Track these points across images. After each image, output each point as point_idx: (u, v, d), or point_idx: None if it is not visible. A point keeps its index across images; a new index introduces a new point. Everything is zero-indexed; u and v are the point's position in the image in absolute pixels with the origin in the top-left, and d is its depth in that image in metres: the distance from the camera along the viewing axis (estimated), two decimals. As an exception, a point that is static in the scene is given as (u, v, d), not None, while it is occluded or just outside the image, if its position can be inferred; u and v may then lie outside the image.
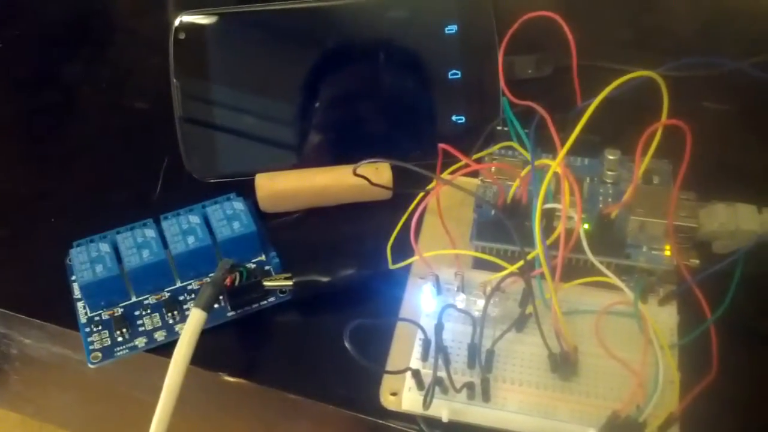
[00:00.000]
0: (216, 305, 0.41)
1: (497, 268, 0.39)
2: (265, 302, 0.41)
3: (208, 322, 0.39)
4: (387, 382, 0.37)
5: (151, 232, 0.42)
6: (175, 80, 0.47)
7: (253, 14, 0.48)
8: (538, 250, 0.36)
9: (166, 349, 0.39)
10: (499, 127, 0.44)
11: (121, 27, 0.63)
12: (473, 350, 0.36)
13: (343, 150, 0.48)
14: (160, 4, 0.60)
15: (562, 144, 0.36)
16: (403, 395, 0.37)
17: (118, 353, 0.40)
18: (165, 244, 0.42)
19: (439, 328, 0.35)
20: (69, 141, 0.53)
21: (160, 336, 0.40)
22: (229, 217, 0.43)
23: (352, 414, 0.37)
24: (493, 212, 0.41)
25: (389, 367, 0.38)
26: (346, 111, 0.49)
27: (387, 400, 0.37)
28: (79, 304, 0.42)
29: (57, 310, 0.42)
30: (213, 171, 0.47)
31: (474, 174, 0.42)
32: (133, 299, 0.42)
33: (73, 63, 0.58)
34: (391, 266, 0.41)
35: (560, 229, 0.36)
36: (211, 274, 0.41)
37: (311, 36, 0.48)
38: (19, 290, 0.43)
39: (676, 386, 0.35)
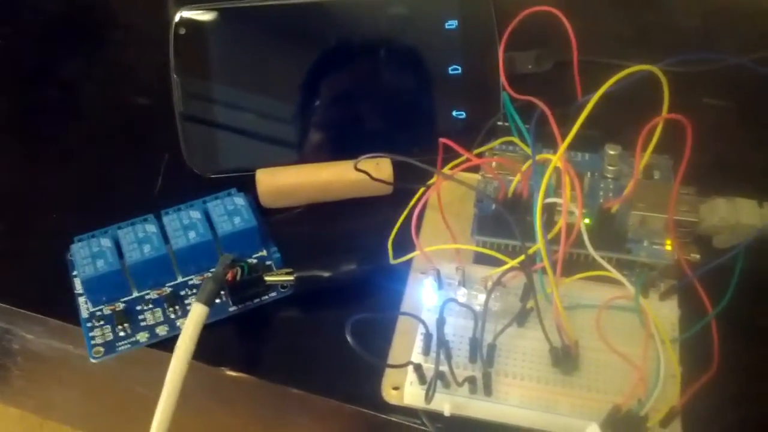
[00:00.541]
0: (217, 300, 0.41)
1: (498, 263, 0.39)
2: (266, 297, 0.41)
3: (210, 317, 0.39)
4: (389, 377, 0.37)
5: (152, 227, 0.42)
6: (175, 76, 0.47)
7: (253, 9, 0.48)
8: (540, 245, 0.36)
9: (168, 344, 0.39)
10: (499, 122, 0.44)
11: (122, 23, 0.63)
12: (475, 344, 0.36)
13: (343, 145, 0.48)
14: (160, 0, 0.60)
15: (563, 139, 0.36)
16: (404, 389, 0.37)
17: (120, 348, 0.40)
18: (166, 239, 0.42)
19: (440, 322, 0.35)
20: (70, 137, 0.53)
21: (161, 331, 0.40)
22: (230, 213, 0.43)
23: (354, 408, 0.38)
24: (493, 207, 0.41)
25: (391, 361, 0.38)
26: (346, 106, 0.49)
27: (389, 395, 0.37)
28: (81, 299, 0.42)
29: (58, 305, 0.42)
30: (214, 166, 0.47)
31: (475, 169, 0.42)
32: (135, 294, 0.42)
33: (74, 59, 0.58)
34: (392, 261, 0.41)
35: (561, 223, 0.36)
36: (212, 269, 0.41)
37: (312, 31, 0.48)
38: (20, 285, 0.43)
39: (677, 380, 0.35)
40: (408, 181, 0.43)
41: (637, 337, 0.37)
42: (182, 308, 0.41)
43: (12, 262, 0.45)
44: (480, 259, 0.41)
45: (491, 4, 0.48)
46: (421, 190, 0.42)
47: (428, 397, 0.35)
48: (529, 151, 0.40)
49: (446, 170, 0.42)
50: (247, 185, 0.45)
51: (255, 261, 0.43)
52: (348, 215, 0.46)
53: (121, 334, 0.40)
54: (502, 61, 0.45)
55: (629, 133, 0.39)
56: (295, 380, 0.39)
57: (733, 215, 0.40)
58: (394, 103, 0.49)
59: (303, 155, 0.48)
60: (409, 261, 0.42)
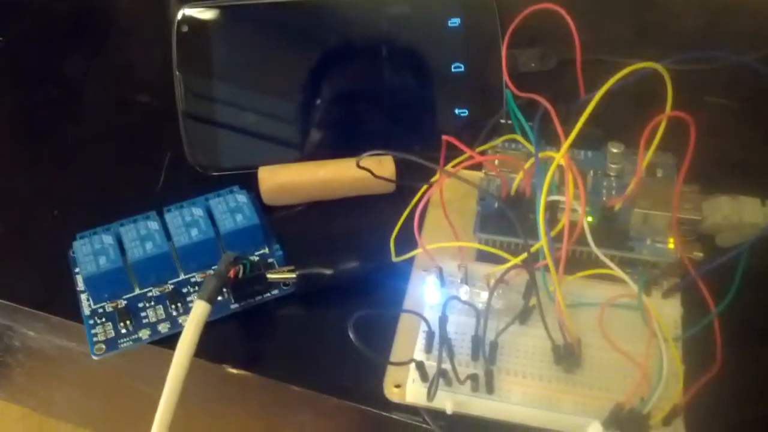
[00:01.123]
0: (219, 298, 0.41)
1: (500, 261, 0.39)
2: (269, 295, 0.41)
3: (212, 315, 0.39)
4: (391, 374, 0.37)
5: (154, 225, 0.42)
6: (177, 73, 0.47)
7: (255, 7, 0.48)
8: (543, 242, 0.36)
9: (170, 341, 0.39)
10: (502, 120, 0.44)
11: (124, 21, 0.63)
12: (477, 342, 0.36)
13: (346, 143, 0.48)
14: (163, -2, 0.60)
15: (566, 136, 0.36)
16: (406, 387, 0.37)
17: (122, 345, 0.40)
18: (168, 236, 0.42)
19: (443, 319, 0.35)
20: (72, 134, 0.53)
21: (163, 328, 0.40)
22: (232, 210, 0.43)
23: (356, 406, 0.38)
24: (496, 205, 0.41)
25: (393, 359, 0.38)
26: (349, 104, 0.49)
27: (391, 392, 0.37)
28: (83, 297, 0.42)
29: (60, 302, 0.42)
30: (216, 164, 0.47)
31: (477, 167, 0.42)
32: (137, 291, 0.42)
33: (76, 57, 0.58)
34: (395, 259, 0.41)
35: (564, 221, 0.36)
36: (214, 267, 0.41)
37: (314, 29, 0.48)
38: (22, 282, 0.43)
39: (679, 379, 0.35)
40: (410, 179, 0.43)
41: (640, 335, 0.36)
42: (184, 305, 0.41)
43: (14, 259, 0.45)
44: (482, 257, 0.41)
45: (494, 2, 0.47)
46: (424, 187, 0.42)
47: (430, 395, 0.35)
48: (531, 148, 0.40)
49: (449, 168, 0.41)
50: (249, 183, 0.45)
51: (257, 258, 0.43)
52: (350, 213, 0.46)
53: (123, 331, 0.40)
54: (505, 59, 0.45)
55: (632, 131, 0.39)
56: (296, 378, 0.39)
57: (736, 213, 0.40)
58: (397, 101, 0.49)
59: (305, 153, 0.48)
60: (412, 259, 0.42)
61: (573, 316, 0.37)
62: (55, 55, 0.58)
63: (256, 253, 0.43)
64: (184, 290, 0.42)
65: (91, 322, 0.41)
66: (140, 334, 0.40)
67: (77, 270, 0.42)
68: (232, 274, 0.40)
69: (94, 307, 0.41)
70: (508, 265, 0.37)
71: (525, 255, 0.37)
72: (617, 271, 0.37)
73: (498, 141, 0.43)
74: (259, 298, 0.41)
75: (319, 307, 0.42)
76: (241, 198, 0.43)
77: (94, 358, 0.40)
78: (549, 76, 0.53)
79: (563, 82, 0.46)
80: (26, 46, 0.60)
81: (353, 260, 0.42)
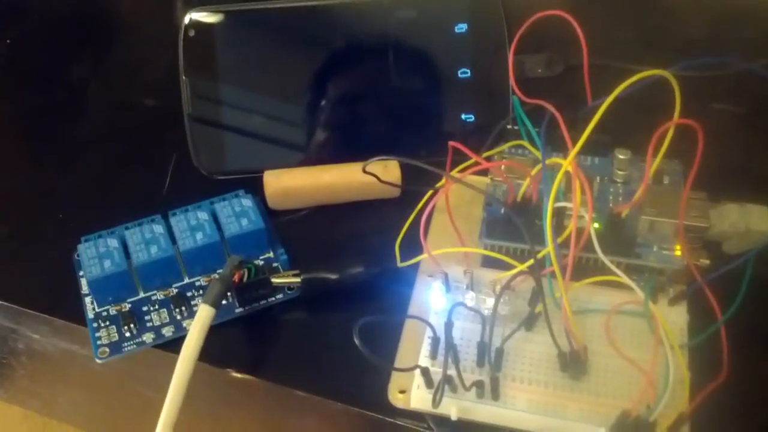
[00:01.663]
0: (224, 302, 0.40)
1: (506, 267, 0.39)
2: (273, 299, 0.41)
3: (216, 319, 0.38)
4: (395, 380, 0.37)
5: (159, 228, 0.42)
6: (184, 77, 0.47)
7: (262, 12, 0.48)
8: (549, 249, 0.35)
9: (174, 345, 0.39)
10: (509, 126, 0.44)
11: (130, 24, 0.63)
12: (483, 348, 0.36)
13: (351, 148, 0.48)
14: (169, 1, 0.60)
15: (574, 143, 0.36)
16: (411, 393, 0.36)
17: (126, 349, 0.40)
18: (173, 240, 0.42)
19: (448, 325, 0.35)
20: (77, 137, 0.53)
21: (167, 332, 0.40)
22: (237, 214, 0.42)
23: (360, 411, 0.37)
24: (502, 210, 0.41)
25: (398, 365, 0.38)
26: (355, 109, 0.49)
27: (395, 398, 0.37)
28: (87, 300, 0.42)
29: (65, 305, 0.42)
30: (221, 168, 0.47)
31: (483, 173, 0.42)
32: (141, 295, 0.42)
33: (81, 60, 0.58)
34: (400, 264, 0.41)
35: (571, 227, 0.36)
36: (219, 271, 0.41)
37: (321, 34, 0.48)
38: (27, 285, 0.43)
39: (686, 386, 0.35)
40: (416, 184, 0.43)
41: (646, 343, 0.36)
42: (188, 309, 0.41)
43: (19, 262, 0.45)
44: (488, 263, 0.40)
45: (501, 8, 0.47)
46: (429, 192, 0.42)
47: (436, 401, 0.35)
48: (538, 154, 0.40)
49: (455, 173, 0.41)
50: (254, 187, 0.45)
51: (262, 263, 0.43)
52: (355, 217, 0.46)
53: (127, 334, 0.40)
54: (512, 65, 0.45)
55: (638, 137, 0.39)
56: (301, 382, 0.38)
57: (743, 221, 0.40)
58: (403, 106, 0.48)
59: (311, 157, 0.48)
60: (417, 264, 0.41)
61: (579, 323, 0.37)
62: (60, 58, 0.58)
63: (261, 258, 0.43)
64: (189, 294, 0.42)
65: (95, 325, 0.41)
66: (144, 338, 0.40)
67: (82, 273, 0.42)
68: (236, 278, 0.40)
69: (98, 310, 0.41)
70: (515, 271, 0.37)
71: (531, 261, 0.36)
72: (624, 278, 0.37)
73: (504, 146, 0.43)
74: (264, 302, 0.41)
75: (323, 311, 0.41)
76: (247, 202, 0.43)
77: (98, 361, 0.40)
78: (555, 82, 0.52)
79: (570, 88, 0.46)
80: (31, 48, 0.60)
81: (358, 265, 0.41)
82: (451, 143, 0.40)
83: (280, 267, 0.43)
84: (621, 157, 0.42)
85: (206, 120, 0.47)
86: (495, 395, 0.36)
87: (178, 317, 0.41)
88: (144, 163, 0.50)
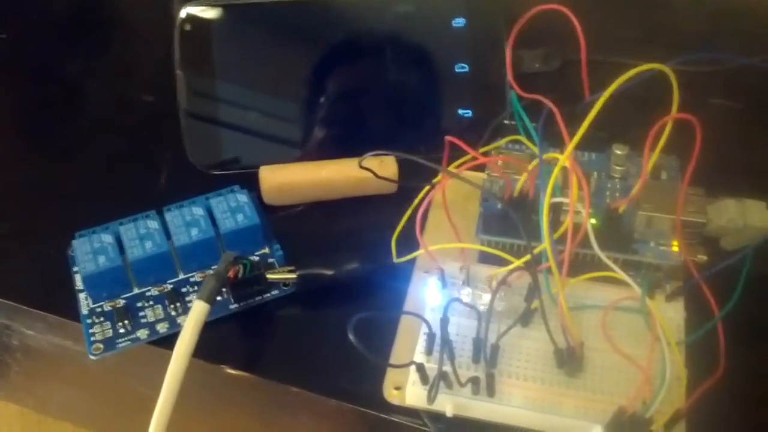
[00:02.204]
0: (218, 298, 0.40)
1: (502, 263, 0.39)
2: (269, 295, 0.41)
3: (211, 315, 0.38)
4: (391, 377, 0.37)
5: (154, 224, 0.42)
6: (179, 72, 0.46)
7: (258, 6, 0.47)
8: (546, 244, 0.35)
9: (168, 341, 0.39)
10: (506, 121, 0.44)
11: (126, 19, 0.62)
12: (478, 345, 0.36)
13: (348, 143, 0.47)
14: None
15: (571, 138, 0.35)
16: (406, 390, 0.36)
17: (120, 345, 0.40)
18: (168, 235, 0.41)
19: (444, 321, 0.34)
20: (72, 132, 0.52)
21: (162, 328, 0.40)
22: (232, 210, 0.42)
23: (355, 408, 0.37)
24: (499, 206, 0.40)
25: (393, 361, 0.38)
26: (351, 104, 0.49)
27: (390, 395, 0.37)
28: (81, 296, 0.41)
29: (59, 301, 0.42)
30: (216, 163, 0.47)
31: (480, 168, 0.42)
32: (136, 291, 0.41)
33: (78, 55, 0.58)
34: (396, 260, 0.41)
35: (568, 223, 0.36)
36: (214, 267, 0.41)
37: (318, 28, 0.48)
38: (21, 281, 0.43)
39: (683, 383, 0.35)
40: (412, 180, 0.43)
41: (643, 339, 0.36)
42: (183, 305, 0.41)
43: (13, 257, 0.45)
44: (484, 259, 0.40)
45: (499, 2, 0.47)
46: (426, 188, 0.42)
47: (431, 397, 0.35)
48: (535, 150, 0.40)
49: (451, 169, 0.41)
50: (250, 182, 0.45)
51: (257, 258, 0.42)
52: (351, 213, 0.45)
53: (121, 330, 0.40)
54: (510, 60, 0.44)
55: (635, 133, 0.39)
56: (295, 379, 0.38)
57: (741, 217, 0.39)
58: (400, 101, 0.48)
59: (307, 153, 0.48)
60: (413, 260, 0.41)
61: (575, 319, 0.36)
62: (57, 52, 0.58)
63: (257, 253, 0.43)
64: (184, 290, 0.41)
65: (89, 321, 0.40)
66: (138, 334, 0.40)
67: (76, 269, 0.42)
68: (231, 274, 0.39)
69: (92, 306, 0.41)
70: (511, 267, 0.37)
71: (528, 257, 0.36)
72: (621, 274, 0.37)
73: (501, 142, 0.43)
74: (259, 298, 0.41)
75: (319, 308, 0.41)
76: (242, 197, 0.43)
77: (92, 357, 0.39)
78: (553, 77, 0.52)
79: (567, 83, 0.46)
80: (29, 42, 0.60)
81: (354, 261, 0.41)
82: (448, 138, 0.40)
83: (275, 263, 0.42)
84: (618, 152, 0.42)
85: (201, 115, 0.47)
86: (491, 392, 0.35)
87: (173, 313, 0.40)
88: (139, 158, 0.50)
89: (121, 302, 0.41)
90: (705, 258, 0.38)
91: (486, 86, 0.48)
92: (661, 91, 0.36)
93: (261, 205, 0.45)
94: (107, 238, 0.41)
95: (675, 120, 0.37)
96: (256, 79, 0.48)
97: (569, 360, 0.35)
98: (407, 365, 0.36)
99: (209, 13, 0.47)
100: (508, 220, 0.39)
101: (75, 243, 0.41)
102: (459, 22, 0.47)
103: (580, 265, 0.39)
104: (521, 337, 0.37)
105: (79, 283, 0.42)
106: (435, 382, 0.34)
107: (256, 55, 0.48)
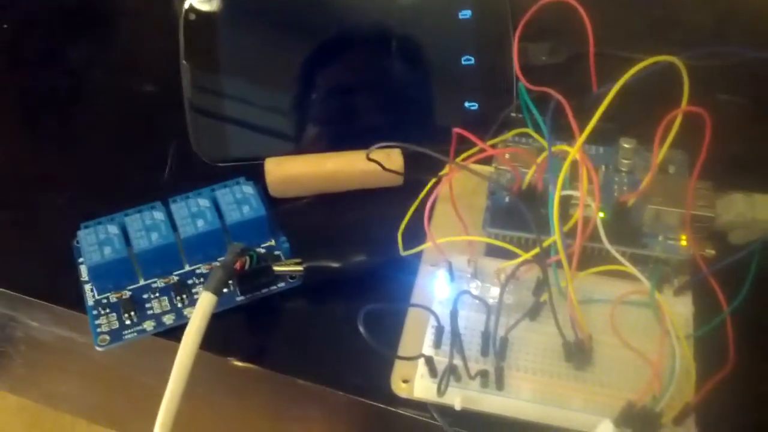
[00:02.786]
0: (225, 290, 0.40)
1: (510, 256, 0.38)
2: (275, 287, 0.41)
3: (217, 307, 0.38)
4: (399, 369, 0.37)
5: (160, 215, 0.42)
6: (184, 62, 0.46)
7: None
8: (556, 238, 0.35)
9: (175, 333, 0.39)
10: (513, 114, 0.44)
11: (130, 9, 0.62)
12: (487, 338, 0.36)
13: (353, 136, 0.47)
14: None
15: (581, 130, 0.35)
16: (415, 382, 0.36)
17: (126, 336, 0.39)
18: (174, 227, 0.41)
19: (454, 314, 0.34)
20: (77, 123, 0.52)
21: (168, 320, 0.40)
22: (238, 201, 0.42)
23: (363, 401, 0.37)
24: (507, 199, 0.40)
25: (400, 354, 0.37)
26: (358, 96, 0.48)
27: (398, 388, 0.37)
28: (87, 287, 0.41)
29: (64, 292, 0.41)
30: (222, 155, 0.47)
31: (487, 162, 0.42)
32: (142, 282, 0.41)
33: (81, 43, 0.58)
34: (402, 253, 0.41)
35: (578, 216, 0.36)
36: (220, 258, 0.41)
37: (324, 20, 0.47)
38: (26, 272, 0.43)
39: (692, 377, 0.35)
40: (419, 173, 0.43)
41: (652, 333, 0.36)
42: (189, 297, 0.41)
43: (18, 248, 0.44)
44: (491, 252, 0.40)
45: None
46: (433, 181, 0.42)
47: (441, 390, 0.34)
48: (544, 142, 0.39)
49: (459, 161, 0.41)
50: (255, 174, 0.45)
51: (264, 251, 0.42)
52: (357, 206, 0.45)
53: (128, 322, 0.40)
54: (517, 53, 0.44)
55: (642, 126, 0.39)
56: (302, 371, 0.38)
57: (750, 211, 0.39)
58: (406, 94, 0.48)
59: (312, 145, 0.47)
60: (419, 254, 0.41)
61: (584, 313, 0.36)
62: (60, 41, 0.58)
63: (263, 245, 0.43)
64: (190, 282, 0.41)
65: (95, 312, 0.40)
66: (145, 326, 0.40)
67: (81, 260, 0.42)
68: (238, 265, 0.39)
69: (98, 297, 0.41)
70: (521, 259, 0.37)
71: (537, 250, 0.36)
72: (631, 268, 0.37)
73: (509, 134, 0.43)
74: (266, 290, 0.41)
75: (325, 300, 0.41)
76: (248, 189, 0.43)
77: (98, 349, 0.39)
78: (558, 70, 0.52)
79: (573, 77, 0.46)
80: (30, 33, 0.59)
81: (360, 254, 0.41)
82: (456, 130, 0.40)
83: (281, 255, 0.42)
84: (626, 146, 0.42)
85: (207, 106, 0.47)
86: (499, 385, 0.35)
87: (179, 305, 0.40)
88: (145, 149, 0.49)
89: (127, 294, 0.41)
90: (713, 252, 0.38)
91: (492, 79, 0.47)
92: (668, 86, 0.36)
93: (266, 197, 0.44)
94: (113, 229, 0.41)
95: (683, 114, 0.37)
96: (262, 70, 0.48)
97: (578, 353, 0.35)
98: (416, 358, 0.36)
99: (214, 2, 0.46)
100: (516, 213, 0.39)
101: (80, 234, 0.41)
102: (465, 14, 0.47)
103: (588, 258, 0.39)
104: (530, 331, 0.37)
105: (84, 275, 0.41)
106: (445, 375, 0.34)
107: (262, 46, 0.48)
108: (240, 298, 0.41)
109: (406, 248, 0.41)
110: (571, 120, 0.36)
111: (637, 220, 0.39)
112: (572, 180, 0.39)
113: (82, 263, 0.42)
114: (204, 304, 0.37)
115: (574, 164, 0.36)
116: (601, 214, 0.39)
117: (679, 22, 0.57)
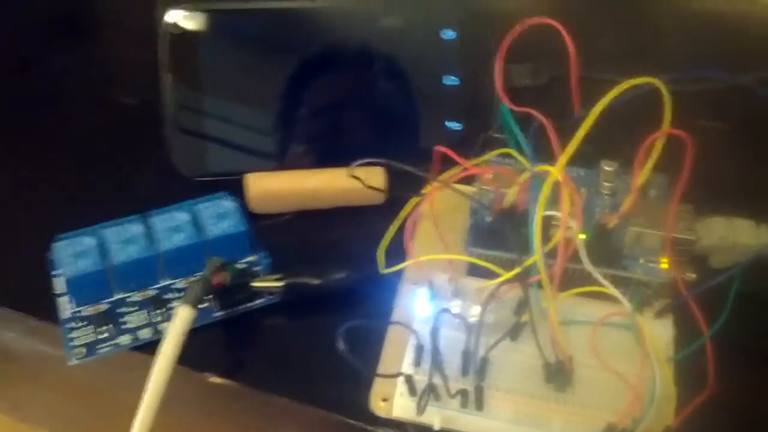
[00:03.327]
0: (203, 305, 0.40)
1: (491, 276, 0.38)
2: (254, 303, 0.40)
3: (195, 322, 0.37)
4: (378, 388, 0.37)
5: (138, 228, 0.41)
6: (165, 75, 0.46)
7: (245, 12, 0.47)
8: (537, 258, 0.35)
9: (151, 347, 0.38)
10: (495, 134, 0.44)
11: (110, 20, 0.62)
12: (467, 357, 0.35)
13: (336, 154, 0.47)
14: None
15: (563, 152, 0.35)
16: (394, 401, 0.36)
17: (101, 351, 0.39)
18: (153, 240, 0.41)
19: (435, 332, 0.34)
20: (55, 134, 0.51)
21: (144, 334, 0.39)
22: (219, 216, 0.42)
23: (341, 419, 0.37)
24: (489, 218, 0.40)
25: (380, 372, 0.37)
26: (340, 114, 0.48)
27: (377, 406, 0.36)
28: (62, 300, 0.40)
29: (39, 305, 0.41)
30: (202, 169, 0.46)
31: (469, 181, 0.42)
32: (118, 296, 0.40)
33: (60, 53, 0.57)
34: (383, 271, 0.41)
35: (559, 237, 0.36)
36: (198, 273, 0.40)
37: (305, 36, 0.47)
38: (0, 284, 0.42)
39: (672, 400, 0.35)
40: (400, 191, 0.43)
41: (632, 355, 0.36)
42: (166, 312, 0.40)
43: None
44: (473, 272, 0.40)
45: (489, 15, 0.47)
46: (415, 199, 0.42)
47: (420, 409, 0.34)
48: (525, 163, 0.40)
49: (440, 179, 0.41)
50: (236, 189, 0.44)
51: (243, 266, 0.42)
52: (338, 223, 0.45)
53: (103, 336, 0.39)
54: (500, 73, 0.44)
55: (622, 149, 0.39)
56: (281, 389, 0.38)
57: (730, 235, 0.39)
58: (389, 113, 0.48)
59: (295, 161, 0.47)
60: (400, 272, 0.41)
61: (564, 334, 0.36)
62: (38, 51, 0.57)
63: (243, 261, 0.42)
64: (167, 296, 0.41)
65: (70, 325, 0.39)
66: (120, 340, 0.39)
67: (57, 272, 0.41)
68: (217, 280, 0.39)
69: (73, 310, 0.40)
70: (503, 279, 0.37)
71: (519, 269, 0.36)
72: (611, 290, 0.37)
73: (491, 154, 0.43)
74: (245, 306, 0.40)
75: (305, 317, 0.41)
76: (228, 204, 0.42)
77: (72, 363, 0.38)
78: (540, 92, 0.52)
79: (555, 99, 0.45)
80: (8, 41, 0.58)
81: (341, 271, 0.41)
82: (438, 148, 0.40)
83: (261, 271, 0.42)
84: (607, 168, 0.42)
85: (187, 120, 0.46)
86: (479, 405, 0.35)
87: (156, 320, 0.40)
88: (123, 161, 0.49)
89: (103, 307, 0.40)
90: (694, 276, 0.38)
91: (475, 99, 0.47)
92: (649, 109, 0.36)
93: (247, 213, 0.44)
94: (90, 242, 0.40)
95: (665, 138, 0.37)
96: (244, 85, 0.47)
97: (558, 375, 0.35)
98: (395, 376, 0.35)
99: (196, 16, 0.46)
100: (498, 232, 0.39)
101: (57, 246, 0.40)
102: (449, 34, 0.47)
103: (569, 279, 0.39)
104: (510, 351, 0.37)
105: (59, 287, 0.41)
106: (425, 393, 0.34)
107: (244, 62, 0.47)
108: (218, 314, 0.40)
109: (387, 266, 0.41)
110: (554, 140, 0.36)
111: (618, 242, 0.39)
112: (553, 201, 0.39)
113: (57, 276, 0.41)
114: (181, 318, 0.36)
115: (556, 185, 0.36)
116: (582, 236, 0.39)
117: (662, 45, 0.57)
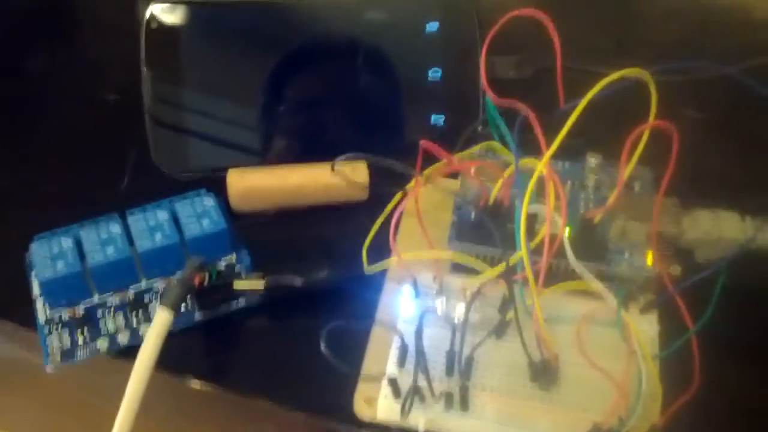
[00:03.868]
0: (183, 306, 0.39)
1: (476, 272, 0.38)
2: (235, 304, 0.40)
3: (175, 324, 0.37)
4: (362, 390, 0.36)
5: (116, 228, 0.40)
6: (145, 70, 0.45)
7: (227, 6, 0.46)
8: (522, 254, 0.34)
9: (130, 352, 0.37)
10: (480, 128, 0.43)
11: (91, 16, 0.60)
12: (452, 357, 0.35)
13: (319, 148, 0.46)
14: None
15: (548, 146, 0.35)
16: (378, 403, 0.35)
17: (79, 356, 0.38)
18: (131, 240, 0.40)
19: (419, 332, 0.34)
20: (31, 132, 0.50)
21: (123, 338, 0.39)
22: (198, 214, 0.41)
23: (325, 423, 0.36)
24: (473, 214, 0.40)
25: (363, 374, 0.37)
26: (323, 109, 0.48)
27: (361, 409, 0.36)
28: (38, 303, 0.40)
29: (14, 308, 0.40)
30: (182, 166, 0.46)
31: (454, 177, 0.41)
32: (96, 298, 0.40)
33: (37, 51, 0.56)
34: (367, 269, 0.40)
35: (544, 232, 0.35)
36: (178, 273, 0.39)
37: (288, 30, 0.46)
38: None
39: (658, 398, 0.34)
40: (384, 187, 0.42)
41: (618, 353, 0.36)
42: (146, 314, 0.39)
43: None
44: (457, 268, 0.39)
45: (473, 8, 0.46)
46: (398, 195, 0.41)
47: (405, 411, 0.34)
48: (510, 157, 0.39)
49: (425, 174, 0.40)
50: (217, 186, 0.43)
51: (224, 266, 0.41)
52: (321, 221, 0.44)
53: (80, 341, 0.38)
54: (484, 66, 0.44)
55: (608, 142, 0.39)
56: (263, 391, 0.37)
57: (716, 228, 0.39)
58: (372, 107, 0.47)
59: (277, 157, 0.46)
60: (384, 270, 0.40)
61: (550, 331, 0.36)
62: (17, 48, 0.56)
63: (223, 260, 0.41)
64: (146, 298, 0.40)
65: (47, 330, 0.39)
66: (98, 344, 0.38)
67: (33, 274, 0.40)
68: (197, 281, 0.38)
69: (49, 313, 0.39)
70: (486, 276, 0.36)
71: (503, 266, 0.35)
72: (597, 285, 0.36)
73: (475, 148, 0.42)
74: (225, 307, 0.40)
75: (287, 317, 0.40)
76: (209, 202, 0.41)
77: (48, 368, 0.38)
78: (525, 85, 0.51)
79: (540, 92, 0.45)
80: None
81: (324, 270, 0.40)
82: (422, 142, 0.39)
83: (242, 271, 0.41)
84: (592, 161, 0.41)
85: (167, 116, 0.46)
86: (464, 405, 0.35)
87: (135, 323, 0.39)
88: (101, 159, 0.48)
89: (80, 310, 0.39)
90: (679, 270, 0.38)
91: (459, 93, 0.47)
92: (635, 101, 0.36)
93: (228, 210, 0.43)
94: (67, 242, 0.39)
95: (650, 131, 0.36)
96: (225, 80, 0.46)
97: (544, 373, 0.35)
98: (379, 378, 0.35)
99: (177, 11, 0.45)
100: (482, 228, 0.39)
101: (33, 246, 0.39)
102: (432, 26, 0.47)
103: (554, 275, 0.38)
104: (495, 349, 0.36)
105: (36, 290, 0.40)
106: (409, 395, 0.34)
107: (225, 56, 0.47)
108: (198, 315, 0.39)
109: (370, 264, 0.40)
110: (539, 134, 0.35)
111: (603, 236, 0.39)
112: (539, 195, 0.38)
113: (34, 277, 0.40)
114: (160, 321, 0.36)
115: (541, 179, 0.36)
116: (567, 230, 0.38)
117: (647, 37, 0.57)
